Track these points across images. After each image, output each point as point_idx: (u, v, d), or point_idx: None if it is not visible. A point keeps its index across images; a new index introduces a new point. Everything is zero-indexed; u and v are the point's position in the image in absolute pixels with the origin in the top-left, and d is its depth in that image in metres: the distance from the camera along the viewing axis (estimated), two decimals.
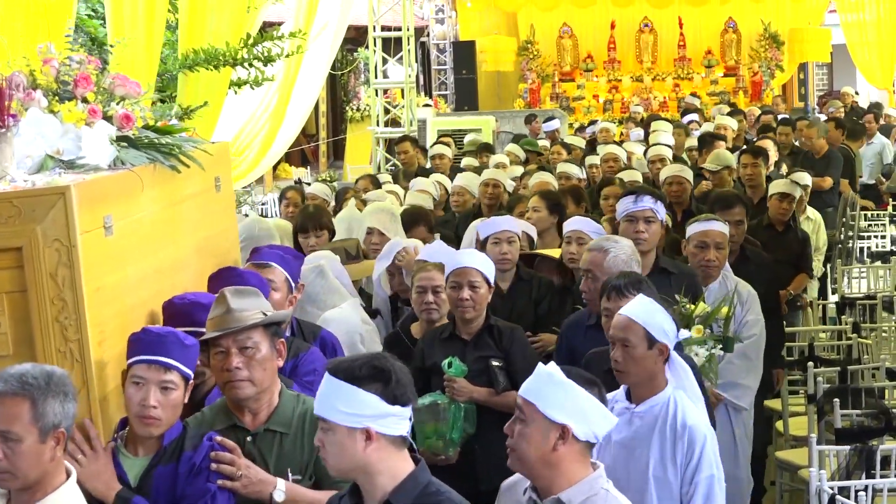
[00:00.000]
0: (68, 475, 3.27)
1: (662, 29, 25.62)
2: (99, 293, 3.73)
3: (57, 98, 4.06)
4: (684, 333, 4.42)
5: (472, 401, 5.20)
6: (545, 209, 7.25)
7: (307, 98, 11.44)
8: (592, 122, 17.83)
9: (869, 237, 12.55)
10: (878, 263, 11.15)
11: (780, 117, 16.58)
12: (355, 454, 3.07)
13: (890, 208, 13.99)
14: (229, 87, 8.00)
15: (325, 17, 11.56)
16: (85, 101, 4.06)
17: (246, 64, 7.48)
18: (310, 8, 10.83)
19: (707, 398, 4.83)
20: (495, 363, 5.23)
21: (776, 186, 8.69)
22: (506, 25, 26.14)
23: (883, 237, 12.60)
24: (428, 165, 12.04)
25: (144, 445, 3.73)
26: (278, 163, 15.54)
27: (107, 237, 3.83)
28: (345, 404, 3.06)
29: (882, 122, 17.95)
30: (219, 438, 3.74)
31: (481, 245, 6.35)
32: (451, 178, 10.01)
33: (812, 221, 9.67)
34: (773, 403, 7.54)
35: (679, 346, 4.48)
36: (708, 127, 14.42)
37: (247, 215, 9.18)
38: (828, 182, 12.06)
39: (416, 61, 20.40)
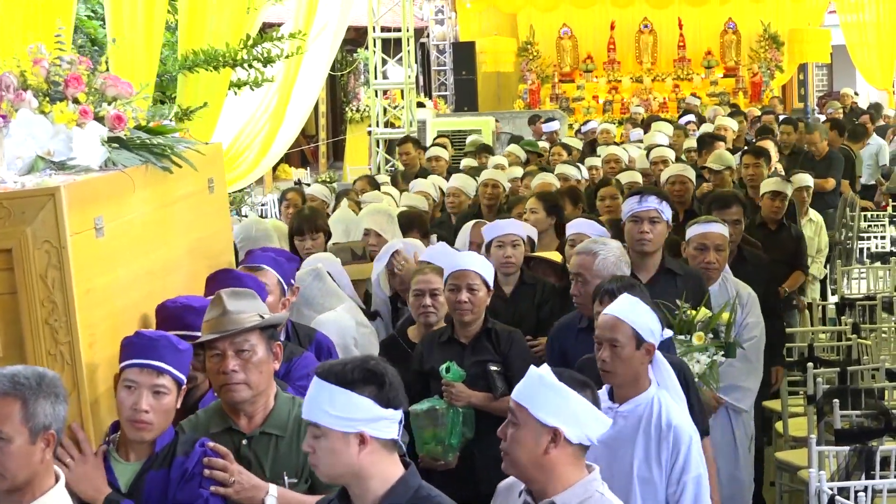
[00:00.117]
0: (57, 479, 3.24)
1: (662, 30, 25.62)
2: (89, 295, 3.70)
3: (48, 99, 4.02)
4: (668, 332, 4.41)
5: (470, 406, 5.17)
6: (543, 210, 7.23)
7: (307, 99, 11.40)
8: (585, 123, 17.81)
9: (869, 238, 12.55)
10: (878, 264, 11.16)
11: (781, 117, 16.56)
12: (349, 459, 3.04)
13: (890, 209, 13.99)
14: (229, 88, 7.97)
15: (324, 18, 11.52)
16: (76, 101, 4.03)
17: (246, 65, 7.45)
18: (309, 9, 10.79)
19: (702, 405, 4.83)
20: (493, 368, 5.20)
21: (768, 185, 8.66)
22: (505, 26, 26.14)
23: (883, 238, 12.60)
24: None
25: (136, 450, 3.70)
26: (278, 164, 15.50)
27: (97, 238, 3.79)
28: (338, 408, 3.03)
29: (881, 122, 17.95)
30: (211, 444, 3.71)
31: (485, 248, 6.33)
32: (448, 179, 9.99)
33: (814, 223, 9.66)
34: (773, 404, 7.53)
35: (665, 346, 4.47)
36: (706, 128, 14.41)
37: (246, 216, 9.17)
38: (830, 183, 12.05)
39: (416, 62, 20.39)
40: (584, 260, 5.23)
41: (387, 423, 3.06)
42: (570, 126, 20.19)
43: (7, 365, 3.27)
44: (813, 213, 9.75)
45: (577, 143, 14.01)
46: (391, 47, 18.83)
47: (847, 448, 5.63)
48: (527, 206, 7.38)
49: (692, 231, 6.24)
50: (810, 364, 7.01)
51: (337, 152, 23.46)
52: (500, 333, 5.31)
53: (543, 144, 14.35)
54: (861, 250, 12.29)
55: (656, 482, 4.15)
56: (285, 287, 4.81)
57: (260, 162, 10.49)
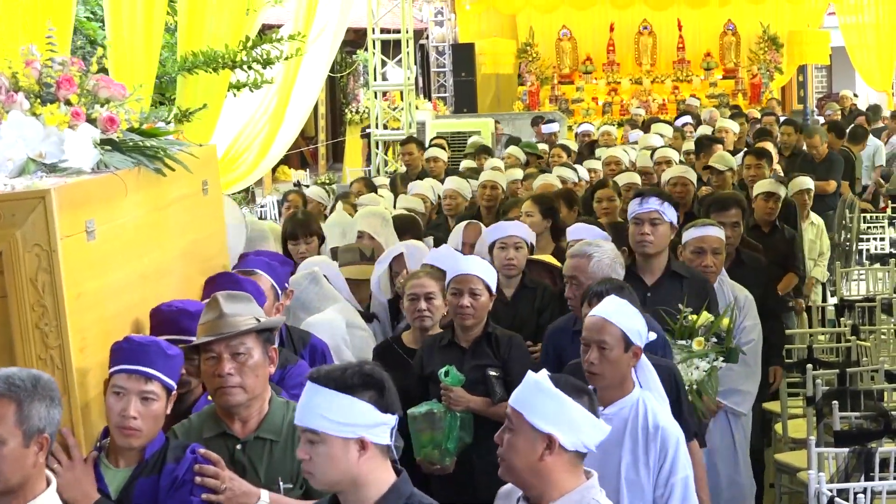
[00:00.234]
0: (49, 483, 3.21)
1: (661, 31, 25.60)
2: (80, 299, 3.67)
3: (39, 100, 3.99)
4: (652, 335, 4.39)
5: (468, 410, 5.13)
6: (538, 213, 7.19)
7: (306, 100, 11.39)
8: (580, 126, 17.79)
9: (868, 239, 12.54)
10: (878, 266, 11.14)
11: (782, 118, 16.54)
12: (348, 465, 3.01)
13: (889, 211, 13.98)
14: (228, 90, 7.96)
15: (324, 20, 11.51)
16: (68, 103, 4.00)
17: (245, 66, 7.43)
18: (309, 10, 10.77)
19: (691, 410, 4.81)
20: (492, 373, 5.16)
21: (761, 186, 8.63)
22: (505, 28, 26.14)
23: (882, 239, 12.59)
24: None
25: (125, 456, 3.67)
26: (277, 165, 15.50)
27: (89, 242, 3.75)
28: (338, 414, 3.00)
29: (880, 123, 17.94)
30: (202, 451, 3.68)
31: (487, 249, 6.30)
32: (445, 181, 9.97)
33: (815, 227, 9.63)
34: (773, 406, 7.51)
35: (657, 349, 4.45)
36: (703, 130, 14.40)
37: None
38: (832, 186, 12.03)
39: (416, 64, 20.38)
40: (579, 262, 5.21)
41: (384, 428, 3.03)
42: (570, 128, 20.17)
43: None
44: (814, 217, 9.72)
45: (573, 145, 14.00)
46: (390, 49, 18.82)
47: (846, 450, 5.61)
48: (522, 209, 7.33)
49: (689, 234, 6.20)
50: (809, 366, 7.00)
51: (336, 154, 23.46)
52: (501, 338, 5.27)
53: (543, 146, 14.34)
54: (860, 252, 12.28)
55: (644, 484, 4.13)
56: (279, 291, 4.79)
57: (259, 163, 10.47)
